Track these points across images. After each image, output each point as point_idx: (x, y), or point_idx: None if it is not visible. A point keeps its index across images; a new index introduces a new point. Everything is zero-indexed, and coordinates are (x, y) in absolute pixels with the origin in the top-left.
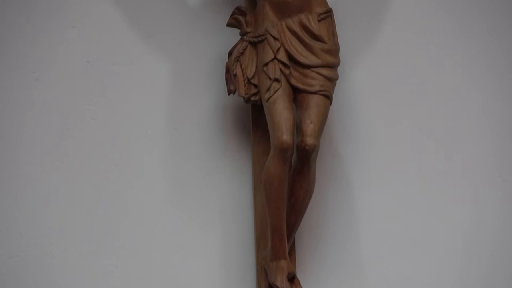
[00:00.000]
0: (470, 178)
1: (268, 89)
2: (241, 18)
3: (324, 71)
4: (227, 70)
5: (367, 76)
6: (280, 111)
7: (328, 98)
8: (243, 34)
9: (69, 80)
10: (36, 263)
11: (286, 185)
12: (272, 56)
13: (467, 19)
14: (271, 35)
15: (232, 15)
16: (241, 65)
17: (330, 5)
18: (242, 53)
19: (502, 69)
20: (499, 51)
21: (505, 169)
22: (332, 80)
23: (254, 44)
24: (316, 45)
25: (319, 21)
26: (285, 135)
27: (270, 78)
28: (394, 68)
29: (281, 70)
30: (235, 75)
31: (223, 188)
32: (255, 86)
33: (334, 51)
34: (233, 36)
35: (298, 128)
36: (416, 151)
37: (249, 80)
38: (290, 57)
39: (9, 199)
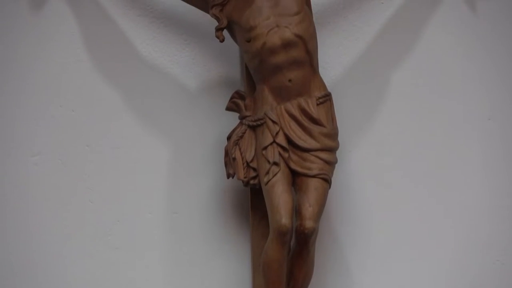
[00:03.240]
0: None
1: (267, 173)
2: (240, 102)
3: (323, 155)
4: (226, 153)
5: (366, 160)
6: (279, 195)
7: (327, 181)
8: (242, 118)
9: (68, 164)
10: None
11: (285, 268)
12: (271, 140)
13: (466, 101)
14: (270, 119)
15: (231, 99)
16: (240, 149)
17: (329, 89)
18: (241, 137)
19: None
20: (498, 136)
21: None
22: (331, 164)
23: (253, 128)
24: (315, 128)
25: (318, 105)
26: (284, 218)
27: (269, 162)
28: (393, 152)
29: (280, 154)
30: (234, 159)
31: (222, 272)
32: (254, 169)
33: (333, 134)
34: (232, 120)
35: (297, 211)
36: (415, 233)
37: (248, 164)
38: (289, 140)
39: (10, 283)
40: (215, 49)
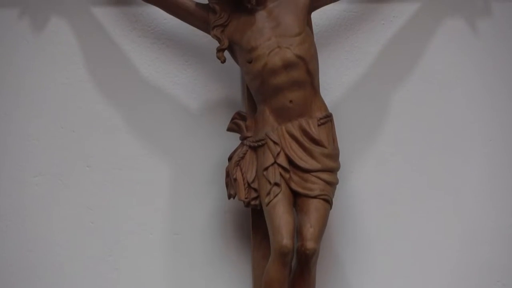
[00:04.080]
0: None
1: (268, 193)
2: (241, 122)
3: (324, 176)
4: (227, 174)
5: (367, 181)
6: (280, 215)
7: (328, 202)
8: (243, 138)
9: (69, 185)
10: None
11: None
12: (272, 161)
13: (467, 122)
14: (271, 140)
15: (232, 119)
16: (241, 170)
17: (330, 110)
18: (242, 158)
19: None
20: (499, 157)
21: None
22: (332, 185)
23: (254, 149)
24: (316, 149)
25: (319, 125)
26: (285, 239)
27: (270, 183)
28: (394, 173)
29: (281, 175)
30: (235, 179)
31: None
32: (255, 190)
33: (334, 155)
34: (233, 141)
35: (298, 232)
36: (416, 254)
37: (249, 184)
38: (290, 161)
39: None
40: (216, 70)
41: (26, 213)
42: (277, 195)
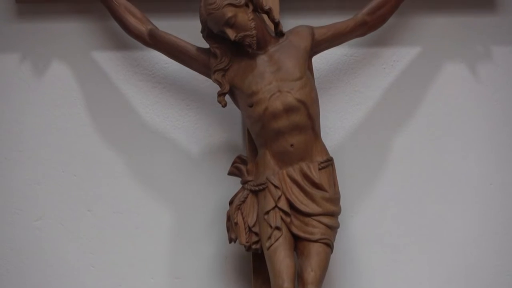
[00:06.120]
0: None
1: (269, 237)
2: (242, 166)
3: (325, 220)
4: (228, 218)
5: (368, 225)
6: (281, 259)
7: (329, 246)
8: (244, 182)
9: (70, 229)
10: None
11: None
12: (273, 205)
13: (468, 166)
14: (272, 184)
15: (233, 163)
16: (242, 213)
17: (331, 154)
18: (243, 202)
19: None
20: (499, 201)
21: None
22: (333, 229)
23: (255, 193)
24: (317, 193)
25: (320, 169)
26: (286, 283)
27: (271, 226)
28: (395, 217)
29: (282, 219)
30: (236, 223)
31: None
32: (256, 234)
33: (335, 199)
34: (234, 185)
35: (299, 276)
36: None
37: (250, 228)
38: (291, 205)
39: None
40: (217, 114)
41: (27, 257)
42: (278, 239)
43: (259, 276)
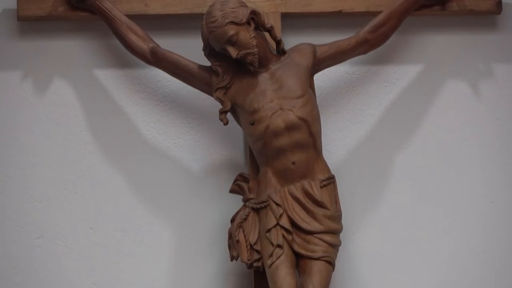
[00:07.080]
0: None
1: (271, 255)
2: (244, 184)
3: (327, 237)
4: (230, 236)
5: (370, 242)
6: (283, 277)
7: (331, 264)
8: (246, 200)
9: (71, 247)
10: None
11: None
12: (275, 222)
13: (469, 184)
14: (274, 202)
15: (235, 181)
16: (243, 231)
17: (333, 172)
18: (245, 219)
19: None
20: (501, 219)
21: None
22: (334, 246)
23: (257, 210)
24: (318, 211)
25: (321, 187)
26: None
27: (272, 244)
28: (397, 235)
29: (283, 236)
30: (237, 241)
31: None
32: (258, 252)
33: (336, 217)
34: (235, 202)
35: None
36: None
37: (251, 246)
38: (293, 223)
39: None
40: (219, 131)
41: (28, 275)
42: (279, 256)
43: None
